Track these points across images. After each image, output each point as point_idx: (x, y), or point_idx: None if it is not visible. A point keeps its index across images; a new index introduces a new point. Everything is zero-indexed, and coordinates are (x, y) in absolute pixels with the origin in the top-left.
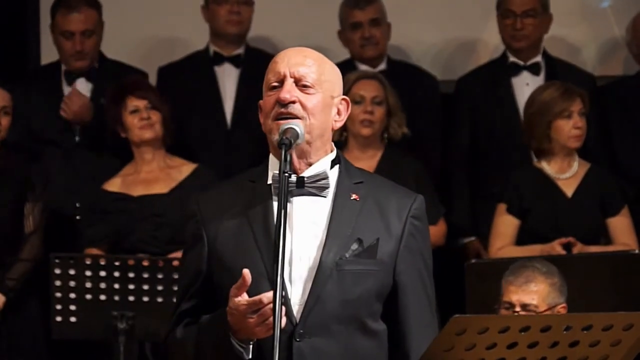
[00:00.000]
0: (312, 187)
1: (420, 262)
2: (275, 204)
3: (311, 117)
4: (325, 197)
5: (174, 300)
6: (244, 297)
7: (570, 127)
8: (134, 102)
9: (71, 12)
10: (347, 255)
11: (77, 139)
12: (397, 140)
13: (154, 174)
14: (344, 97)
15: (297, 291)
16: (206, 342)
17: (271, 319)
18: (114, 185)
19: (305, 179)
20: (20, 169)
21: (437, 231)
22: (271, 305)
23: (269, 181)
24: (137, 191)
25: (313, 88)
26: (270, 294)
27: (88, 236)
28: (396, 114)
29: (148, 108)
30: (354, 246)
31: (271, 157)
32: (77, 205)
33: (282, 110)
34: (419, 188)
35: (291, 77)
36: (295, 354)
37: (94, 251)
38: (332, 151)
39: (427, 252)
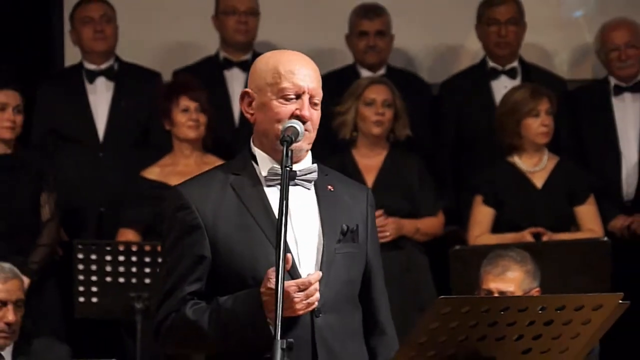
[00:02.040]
0: (303, 179)
1: (378, 245)
2: (268, 192)
3: (314, 130)
4: (309, 189)
5: (166, 285)
6: (289, 281)
7: (538, 125)
8: (186, 102)
9: (91, 3)
10: (339, 240)
11: (100, 137)
12: (401, 141)
13: (190, 168)
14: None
15: (306, 273)
16: (232, 319)
17: (314, 296)
18: (152, 173)
19: (298, 172)
20: (36, 163)
21: (437, 222)
22: (317, 285)
23: (263, 172)
24: (174, 181)
25: (318, 104)
26: (315, 275)
27: (125, 218)
28: (402, 117)
29: (198, 110)
30: (342, 231)
31: (258, 152)
32: (102, 209)
33: (296, 124)
34: (421, 183)
35: (307, 93)
36: (317, 329)
37: (129, 232)
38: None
39: (377, 236)
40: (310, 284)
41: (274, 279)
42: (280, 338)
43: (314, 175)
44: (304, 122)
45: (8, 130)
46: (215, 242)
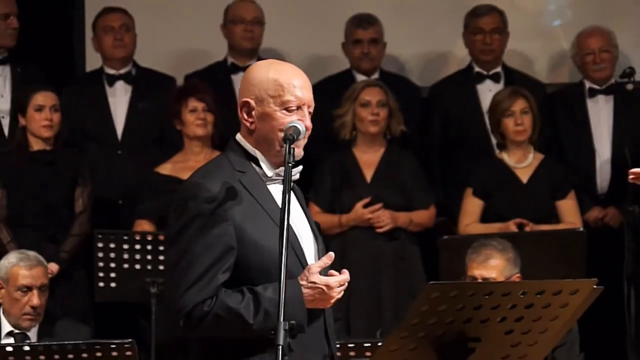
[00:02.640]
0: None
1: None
2: (272, 190)
3: (307, 135)
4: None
5: (194, 271)
6: (329, 277)
7: (513, 124)
8: (194, 103)
9: (111, 13)
10: (318, 234)
11: (119, 136)
12: (396, 136)
13: (200, 164)
14: None
15: (310, 261)
16: (272, 309)
17: (342, 289)
18: (165, 169)
19: (293, 172)
20: (71, 160)
21: (429, 214)
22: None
23: (269, 173)
24: (185, 175)
25: (311, 114)
26: (347, 275)
27: (140, 210)
28: (395, 114)
29: (205, 110)
30: (314, 227)
31: (258, 153)
32: (120, 201)
33: (298, 124)
34: (415, 179)
35: (307, 104)
36: (327, 318)
37: (145, 223)
38: None
39: None
40: (346, 281)
41: (315, 274)
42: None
43: (297, 177)
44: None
45: (47, 129)
46: (242, 235)
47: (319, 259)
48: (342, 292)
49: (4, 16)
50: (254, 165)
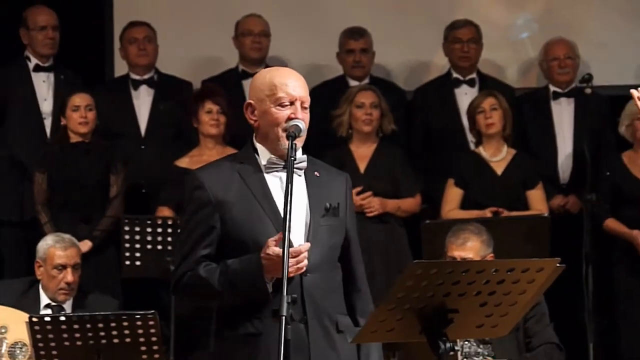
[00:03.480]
0: (295, 167)
1: (355, 220)
2: (267, 178)
3: (305, 128)
4: (300, 175)
5: (183, 249)
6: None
7: (483, 119)
8: (210, 105)
9: (136, 27)
10: (324, 215)
11: (142, 133)
12: (388, 134)
13: (213, 158)
14: None
15: (298, 242)
16: (238, 278)
17: (303, 262)
18: (183, 162)
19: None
20: (106, 151)
21: (415, 202)
22: (306, 253)
23: (263, 162)
24: None
25: (307, 108)
26: (305, 245)
27: (161, 198)
28: (387, 115)
29: (219, 112)
30: (326, 208)
31: (259, 146)
32: (143, 190)
33: (299, 122)
34: (403, 171)
35: (299, 100)
36: (305, 286)
37: (166, 209)
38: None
39: (354, 213)
40: (301, 252)
41: (272, 247)
42: (275, 294)
43: (304, 165)
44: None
45: (82, 125)
46: (224, 216)
47: (309, 234)
48: (302, 264)
49: (43, 28)
50: (257, 156)
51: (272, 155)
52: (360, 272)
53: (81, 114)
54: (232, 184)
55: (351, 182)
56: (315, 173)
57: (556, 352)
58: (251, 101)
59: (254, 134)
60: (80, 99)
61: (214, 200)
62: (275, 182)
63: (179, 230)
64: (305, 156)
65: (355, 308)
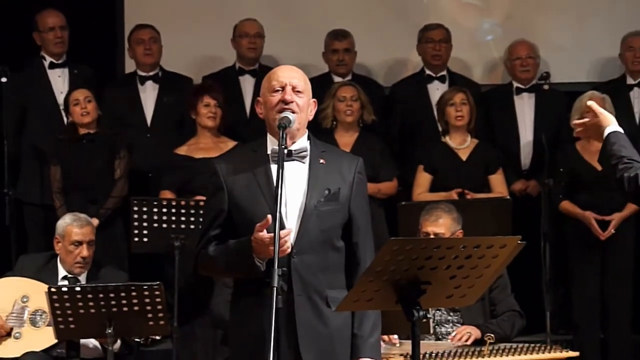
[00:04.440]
0: (297, 156)
1: (364, 201)
2: (272, 167)
3: (301, 112)
4: (304, 163)
5: (201, 231)
6: (265, 233)
7: (454, 112)
8: (208, 100)
9: (142, 29)
10: (321, 200)
11: (148, 123)
12: (369, 124)
13: (209, 145)
14: (314, 99)
15: (291, 225)
16: (234, 258)
17: (286, 245)
18: (182, 150)
19: (293, 151)
20: (111, 138)
21: (392, 185)
22: (288, 237)
23: (268, 152)
24: (198, 155)
25: (302, 93)
26: (285, 231)
27: (163, 183)
28: (366, 107)
29: (215, 106)
30: (325, 194)
31: (268, 136)
32: (150, 175)
33: (285, 106)
34: (381, 157)
35: (289, 85)
36: (292, 266)
37: (167, 193)
38: (306, 132)
39: (366, 194)
40: (281, 237)
41: (256, 232)
42: (268, 270)
43: (306, 153)
44: (288, 104)
45: (85, 116)
46: (232, 200)
47: (303, 218)
48: (284, 247)
49: (52, 29)
50: (266, 146)
51: (276, 145)
52: (362, 251)
53: (81, 105)
54: (242, 171)
55: (363, 166)
56: (321, 161)
57: (518, 318)
58: (259, 98)
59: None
60: (79, 93)
61: (224, 186)
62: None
63: (191, 212)
64: (306, 145)
65: (353, 283)
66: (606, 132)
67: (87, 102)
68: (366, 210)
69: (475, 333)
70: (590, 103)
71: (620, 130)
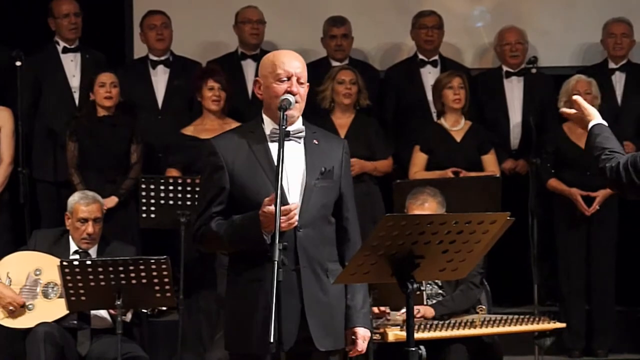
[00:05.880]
0: (295, 136)
1: (350, 179)
2: (271, 146)
3: (302, 101)
4: (299, 143)
5: (200, 207)
6: (274, 207)
7: (452, 94)
8: (212, 83)
9: (154, 15)
10: (319, 177)
11: (159, 105)
12: (363, 107)
13: (214, 126)
14: (307, 83)
15: (293, 200)
16: (241, 232)
17: (293, 219)
18: (188, 130)
19: (291, 132)
20: (128, 122)
21: (388, 163)
22: (296, 211)
23: (267, 132)
24: (203, 135)
25: (304, 84)
26: (294, 205)
27: (169, 161)
28: (363, 91)
29: (219, 89)
30: (321, 172)
31: (265, 117)
32: (160, 155)
33: (289, 97)
34: (377, 137)
35: (295, 76)
36: (298, 239)
37: (173, 171)
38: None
39: (351, 173)
40: (291, 210)
41: (266, 206)
42: (272, 244)
43: (302, 134)
44: (294, 95)
45: (107, 100)
46: (233, 178)
47: (304, 195)
48: (292, 220)
49: (66, 15)
50: (263, 126)
51: (275, 126)
52: (352, 225)
53: (106, 89)
54: (241, 150)
55: (348, 148)
56: (315, 141)
57: (471, 290)
58: (258, 79)
59: (263, 107)
60: (106, 77)
61: (224, 164)
62: (277, 149)
63: (196, 189)
64: (303, 127)
65: (344, 256)
66: (590, 124)
67: (112, 86)
68: (352, 187)
69: (424, 311)
70: (575, 97)
71: (604, 123)
